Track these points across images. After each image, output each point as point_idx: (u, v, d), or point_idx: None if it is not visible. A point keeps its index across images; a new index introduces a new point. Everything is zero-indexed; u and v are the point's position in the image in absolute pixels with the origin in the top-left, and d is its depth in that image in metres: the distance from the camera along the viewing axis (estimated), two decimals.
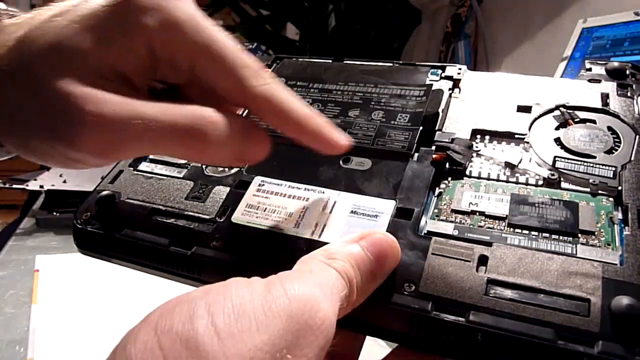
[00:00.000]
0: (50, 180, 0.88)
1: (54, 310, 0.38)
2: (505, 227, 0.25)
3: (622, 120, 0.29)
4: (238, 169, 0.31)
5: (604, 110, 0.30)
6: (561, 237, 0.24)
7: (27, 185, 0.85)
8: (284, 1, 1.64)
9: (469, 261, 0.24)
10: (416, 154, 0.30)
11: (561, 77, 0.76)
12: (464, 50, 1.37)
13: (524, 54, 1.18)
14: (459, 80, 0.34)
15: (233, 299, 0.18)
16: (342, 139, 0.26)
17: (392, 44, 1.64)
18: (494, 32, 1.29)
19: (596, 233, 0.24)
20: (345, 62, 0.38)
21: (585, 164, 0.27)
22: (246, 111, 0.28)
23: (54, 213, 0.85)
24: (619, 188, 0.26)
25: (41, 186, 0.84)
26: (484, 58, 1.30)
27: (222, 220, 0.28)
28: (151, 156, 0.34)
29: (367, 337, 0.27)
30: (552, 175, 0.27)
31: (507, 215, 0.26)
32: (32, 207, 0.94)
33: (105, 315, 0.36)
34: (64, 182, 0.89)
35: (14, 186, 0.86)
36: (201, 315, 0.17)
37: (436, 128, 0.31)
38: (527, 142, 0.29)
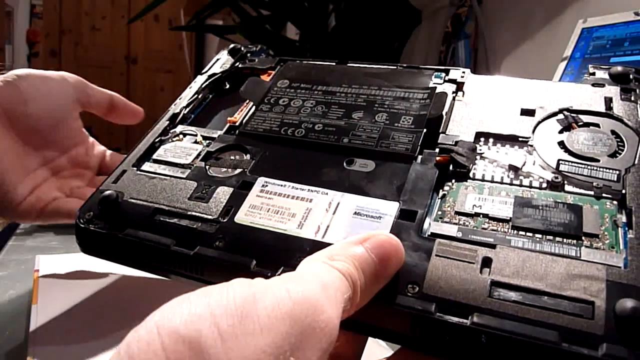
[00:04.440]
0: None
1: (54, 310, 0.38)
2: (509, 230, 0.25)
3: (626, 125, 0.29)
4: (241, 170, 0.31)
5: (608, 114, 0.30)
6: (565, 240, 0.24)
7: None
8: (284, 1, 1.63)
9: (473, 263, 0.24)
10: (420, 156, 0.30)
11: (561, 77, 0.76)
12: (464, 51, 1.37)
13: (524, 54, 1.18)
14: (463, 83, 0.34)
15: (236, 301, 0.17)
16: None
17: (392, 44, 1.63)
18: (494, 32, 1.29)
19: (600, 236, 0.24)
20: (349, 64, 0.38)
21: (589, 167, 0.27)
22: None
23: None
24: (623, 191, 0.26)
25: None
26: (484, 58, 1.30)
27: (225, 220, 0.28)
28: (154, 156, 0.34)
29: (369, 338, 0.27)
30: (556, 178, 0.27)
31: (511, 218, 0.26)
32: None
33: (106, 316, 0.36)
34: None
35: None
36: (204, 317, 0.17)
37: (440, 131, 0.31)
38: (531, 145, 0.29)
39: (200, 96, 0.39)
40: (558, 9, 1.06)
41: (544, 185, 0.27)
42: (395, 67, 0.37)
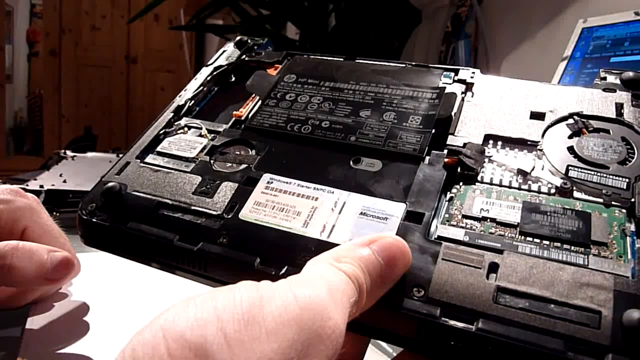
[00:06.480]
0: (50, 180, 0.86)
1: (54, 310, 0.37)
2: (517, 235, 0.25)
3: (636, 132, 0.29)
4: (246, 165, 0.31)
5: (619, 120, 0.30)
6: (573, 248, 0.24)
7: (27, 185, 0.84)
8: (284, 1, 1.63)
9: (480, 268, 0.23)
10: (428, 157, 0.29)
11: (561, 76, 0.76)
12: (464, 50, 1.37)
13: (524, 54, 1.18)
14: (472, 84, 0.34)
15: (243, 305, 0.17)
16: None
17: (392, 44, 1.63)
18: (494, 32, 1.29)
19: (608, 244, 0.24)
20: (357, 61, 0.38)
21: (599, 174, 0.27)
22: None
23: (54, 213, 0.83)
24: (632, 200, 0.26)
25: (41, 186, 0.82)
26: (484, 58, 1.30)
27: (229, 216, 0.28)
28: (158, 149, 0.34)
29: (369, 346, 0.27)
30: (565, 184, 0.27)
31: (518, 223, 0.25)
32: None
33: (106, 316, 0.36)
34: (64, 181, 0.87)
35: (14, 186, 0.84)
36: (211, 322, 0.17)
37: (448, 132, 0.31)
38: (540, 150, 0.29)
39: (205, 88, 0.39)
40: (558, 9, 1.06)
41: (553, 190, 0.27)
42: (404, 65, 0.36)
